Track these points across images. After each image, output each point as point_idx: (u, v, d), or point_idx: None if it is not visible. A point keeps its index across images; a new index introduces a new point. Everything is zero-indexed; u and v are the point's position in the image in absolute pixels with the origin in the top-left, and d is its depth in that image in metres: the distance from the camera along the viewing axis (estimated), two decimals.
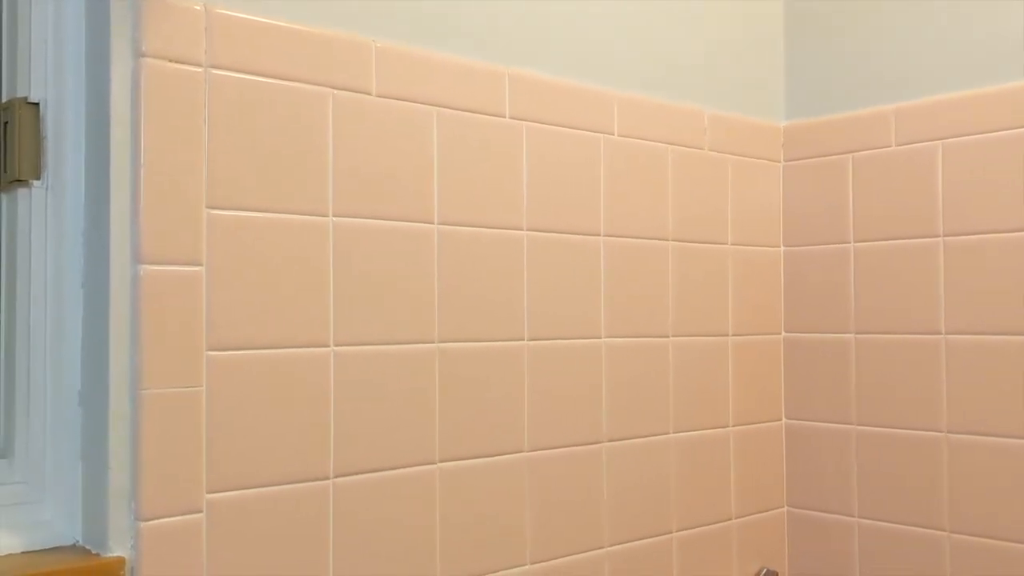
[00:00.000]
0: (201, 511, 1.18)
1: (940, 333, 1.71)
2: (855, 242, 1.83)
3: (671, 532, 1.71)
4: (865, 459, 1.81)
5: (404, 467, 1.36)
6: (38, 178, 1.18)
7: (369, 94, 1.34)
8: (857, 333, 1.83)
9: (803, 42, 1.95)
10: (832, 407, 1.86)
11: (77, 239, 1.19)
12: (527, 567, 1.50)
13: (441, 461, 1.40)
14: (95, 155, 1.17)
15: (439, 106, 1.42)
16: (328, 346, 1.29)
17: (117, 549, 1.13)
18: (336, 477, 1.29)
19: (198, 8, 1.19)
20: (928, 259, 1.73)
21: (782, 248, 1.94)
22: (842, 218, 1.85)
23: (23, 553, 1.14)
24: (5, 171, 1.18)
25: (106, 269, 1.14)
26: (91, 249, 1.18)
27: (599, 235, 1.62)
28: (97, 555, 1.14)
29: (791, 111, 1.96)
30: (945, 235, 1.71)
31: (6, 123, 1.18)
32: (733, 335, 1.84)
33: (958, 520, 1.69)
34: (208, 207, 1.19)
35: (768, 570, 1.87)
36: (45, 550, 1.16)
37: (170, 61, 1.16)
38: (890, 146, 1.79)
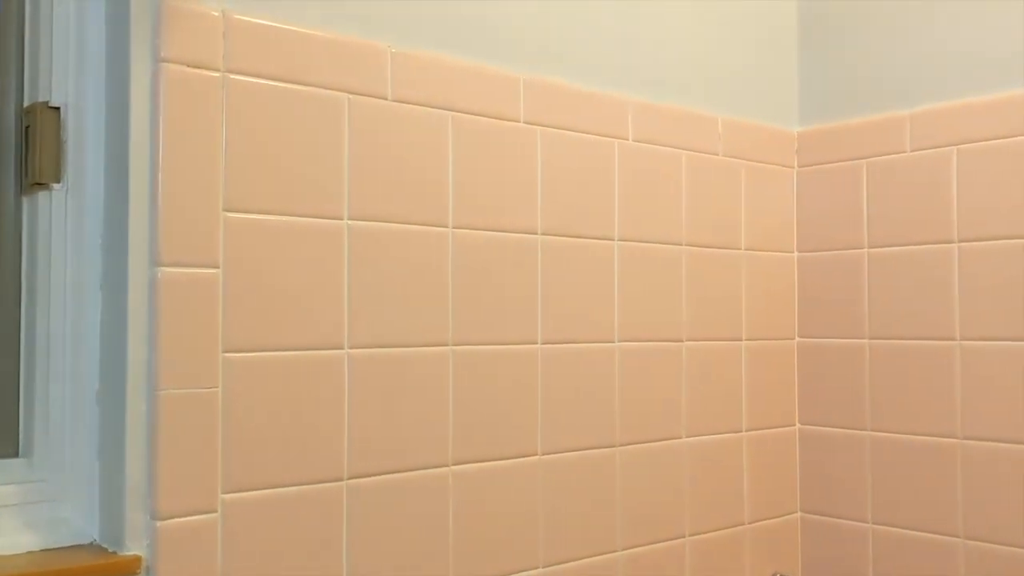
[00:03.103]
0: (216, 511, 1.19)
1: (955, 339, 1.71)
2: (869, 247, 1.83)
3: (684, 536, 1.71)
4: (879, 465, 1.81)
5: (417, 469, 1.37)
6: (58, 181, 1.20)
7: (385, 99, 1.35)
8: (871, 339, 1.82)
9: (817, 48, 1.96)
10: (846, 412, 1.86)
11: (96, 241, 1.21)
12: (540, 570, 1.51)
13: (454, 464, 1.41)
14: (114, 158, 1.19)
15: (454, 111, 1.43)
16: (343, 348, 1.30)
17: (134, 548, 1.15)
18: (350, 479, 1.30)
19: (216, 14, 1.21)
20: (942, 265, 1.73)
21: (796, 253, 1.94)
22: (856, 223, 1.85)
23: (42, 551, 1.15)
24: (26, 174, 1.20)
25: (124, 271, 1.16)
26: (110, 251, 1.19)
27: (613, 240, 1.63)
28: (114, 553, 1.15)
29: (805, 117, 1.96)
30: (960, 241, 1.71)
31: (28, 127, 1.20)
32: (747, 340, 1.84)
33: (972, 526, 1.68)
34: (225, 210, 1.21)
35: (781, 575, 1.87)
36: (63, 548, 1.17)
37: (188, 66, 1.18)
38: (904, 151, 1.79)
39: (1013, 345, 1.64)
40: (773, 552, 1.88)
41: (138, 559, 1.14)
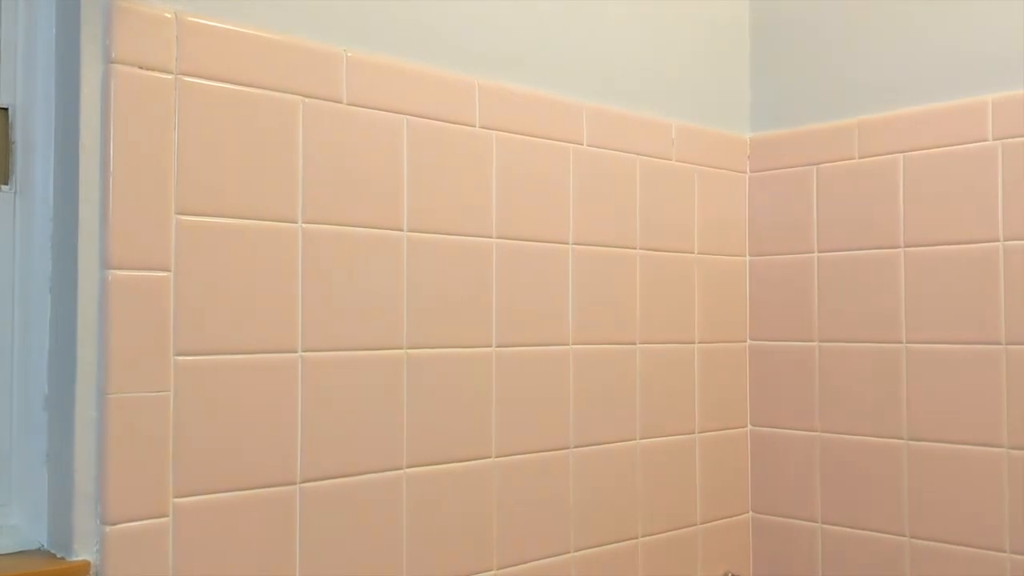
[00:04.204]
0: (167, 515, 1.18)
1: (901, 342, 1.75)
2: (819, 252, 1.87)
3: (637, 537, 1.73)
4: (828, 465, 1.84)
5: (371, 472, 1.37)
6: (7, 183, 1.19)
7: (340, 102, 1.35)
8: (820, 341, 1.86)
9: (769, 57, 1.99)
10: (796, 414, 1.89)
11: (45, 244, 1.19)
12: (494, 572, 1.51)
13: (408, 466, 1.42)
14: (64, 160, 1.18)
15: (409, 115, 1.43)
16: (296, 351, 1.30)
17: (83, 553, 1.14)
18: (303, 482, 1.30)
19: (169, 16, 1.20)
20: (889, 269, 1.77)
21: (747, 257, 1.97)
22: (806, 228, 1.88)
23: None
24: None
25: (74, 274, 1.15)
26: (59, 254, 1.18)
27: (567, 243, 1.64)
28: (62, 559, 1.14)
29: (757, 123, 1.99)
30: (906, 246, 1.75)
31: None
32: (699, 343, 1.86)
33: (918, 525, 1.72)
34: (177, 213, 1.20)
35: (732, 575, 1.89)
36: (10, 554, 1.16)
37: (140, 68, 1.17)
38: (853, 158, 1.82)
39: (957, 348, 1.68)
40: (725, 552, 1.90)
41: (87, 564, 1.13)
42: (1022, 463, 1.61)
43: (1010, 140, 1.63)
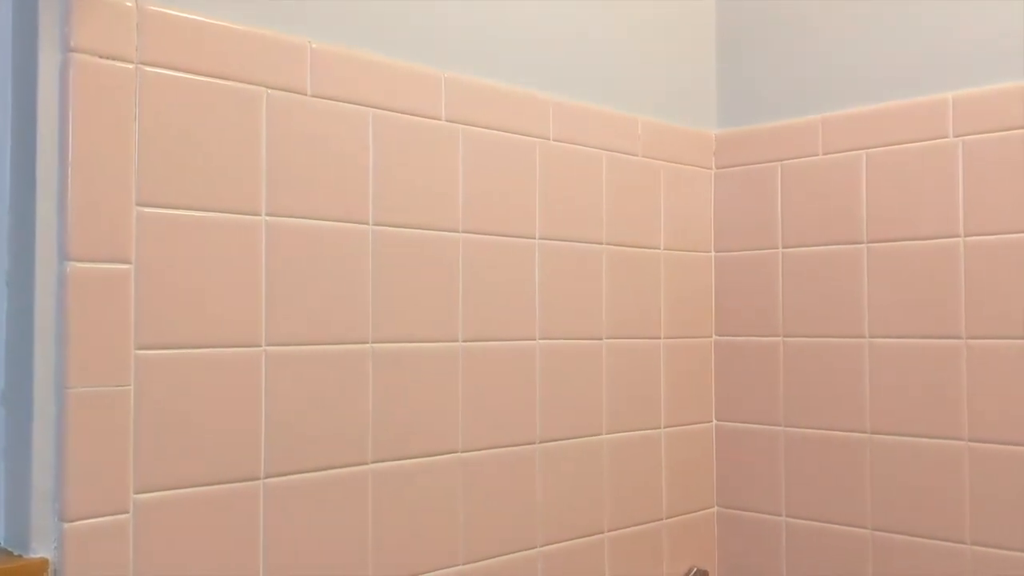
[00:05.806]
0: (128, 512, 1.16)
1: (864, 336, 1.76)
2: (783, 248, 1.88)
3: (603, 532, 1.74)
4: (792, 460, 1.86)
5: (336, 468, 1.36)
6: None
7: (304, 94, 1.34)
8: (785, 336, 1.87)
9: (734, 53, 2.00)
10: (761, 409, 1.90)
11: (2, 235, 1.17)
12: (460, 567, 1.51)
13: (374, 462, 1.41)
14: (21, 150, 1.15)
15: (375, 107, 1.42)
16: (260, 346, 1.29)
17: (40, 550, 1.11)
18: (267, 478, 1.29)
19: (129, 4, 1.18)
20: (853, 265, 1.78)
21: (713, 253, 1.98)
22: (771, 224, 1.90)
23: None
24: None
25: (31, 266, 1.12)
26: (16, 245, 1.16)
27: (534, 238, 1.64)
28: (19, 556, 1.12)
29: (722, 120, 2.00)
30: (869, 242, 1.76)
31: None
32: (665, 338, 1.87)
33: (880, 518, 1.74)
34: (138, 204, 1.18)
35: (698, 569, 1.90)
36: None
37: (100, 57, 1.15)
38: (817, 155, 1.84)
39: (919, 343, 1.70)
40: (690, 546, 1.91)
41: (45, 562, 1.11)
42: (982, 456, 1.63)
43: (970, 137, 1.65)
